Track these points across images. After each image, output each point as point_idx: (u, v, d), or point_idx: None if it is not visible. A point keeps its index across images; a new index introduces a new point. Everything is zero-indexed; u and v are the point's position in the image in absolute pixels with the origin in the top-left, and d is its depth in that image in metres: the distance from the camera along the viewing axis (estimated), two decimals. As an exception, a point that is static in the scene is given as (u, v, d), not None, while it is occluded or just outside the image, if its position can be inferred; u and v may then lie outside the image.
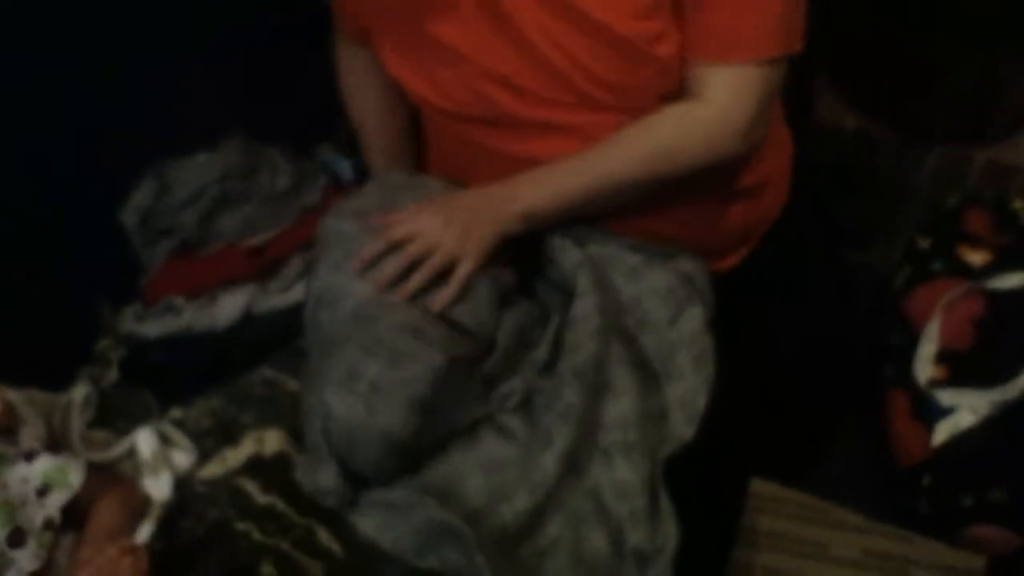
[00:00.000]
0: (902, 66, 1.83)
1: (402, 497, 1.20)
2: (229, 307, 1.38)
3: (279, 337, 1.35)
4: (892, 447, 1.60)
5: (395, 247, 1.28)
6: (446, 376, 1.19)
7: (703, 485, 1.28)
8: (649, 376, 1.28)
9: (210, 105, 1.55)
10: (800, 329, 1.59)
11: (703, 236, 1.42)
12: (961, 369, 1.55)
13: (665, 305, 1.31)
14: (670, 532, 1.17)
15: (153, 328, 1.38)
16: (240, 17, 1.59)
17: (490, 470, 1.22)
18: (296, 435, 1.27)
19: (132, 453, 1.25)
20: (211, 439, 1.27)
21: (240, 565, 1.16)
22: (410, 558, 1.18)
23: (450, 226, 1.27)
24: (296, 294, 1.39)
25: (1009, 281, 1.59)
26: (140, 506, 1.19)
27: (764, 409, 1.50)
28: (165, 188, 1.46)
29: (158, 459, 1.23)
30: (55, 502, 1.15)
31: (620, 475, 1.20)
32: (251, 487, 1.22)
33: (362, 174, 1.60)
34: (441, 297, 1.26)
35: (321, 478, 1.21)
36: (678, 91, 1.29)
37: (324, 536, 1.20)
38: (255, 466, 1.24)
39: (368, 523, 1.20)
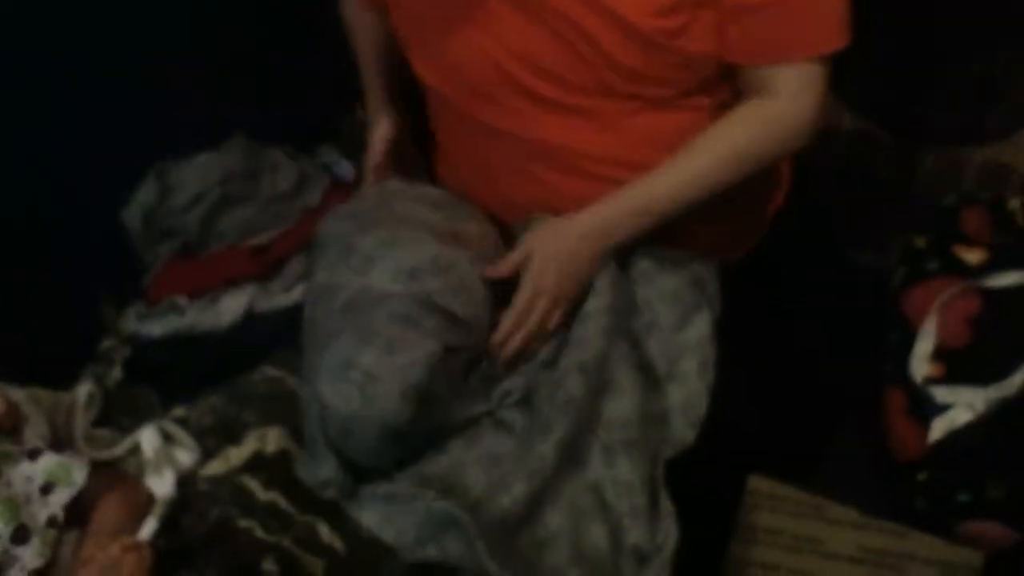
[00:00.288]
0: (899, 66, 1.83)
1: (403, 489, 1.20)
2: (231, 307, 1.38)
3: (281, 336, 1.36)
4: (889, 444, 1.60)
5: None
6: (441, 364, 1.20)
7: (700, 481, 1.28)
8: (651, 379, 1.29)
9: (212, 106, 1.56)
10: (797, 327, 1.59)
11: (705, 236, 1.43)
12: (957, 367, 1.55)
13: (674, 309, 1.32)
14: (670, 532, 1.17)
15: (156, 328, 1.38)
16: (242, 18, 1.60)
17: (490, 463, 1.23)
18: (298, 433, 1.28)
19: (135, 451, 1.26)
20: (213, 437, 1.27)
21: (242, 562, 1.16)
22: (412, 549, 1.19)
23: (556, 275, 1.31)
24: (297, 294, 1.40)
25: (1005, 279, 1.59)
26: (143, 504, 1.19)
27: (761, 406, 1.50)
28: (167, 189, 1.46)
29: (161, 457, 1.23)
30: (59, 500, 1.16)
31: (621, 473, 1.21)
32: (253, 485, 1.22)
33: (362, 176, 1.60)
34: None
35: (321, 470, 1.22)
36: (705, 85, 1.32)
37: (326, 533, 1.21)
38: (257, 464, 1.24)
39: (369, 515, 1.21)
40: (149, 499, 1.20)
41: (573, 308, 1.33)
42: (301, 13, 1.60)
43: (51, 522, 1.15)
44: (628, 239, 1.34)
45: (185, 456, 1.26)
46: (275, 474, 1.24)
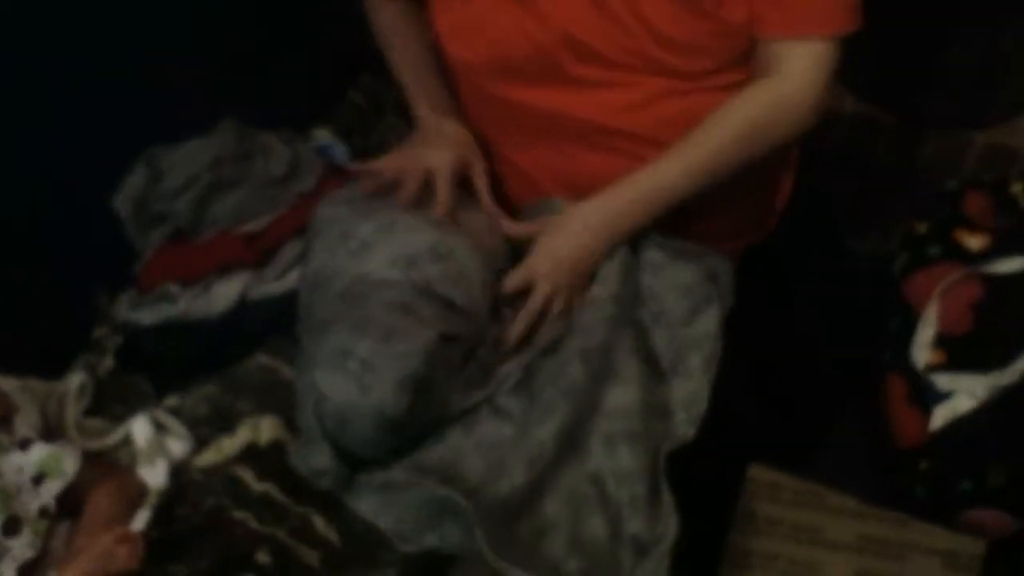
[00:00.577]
0: (901, 51, 1.82)
1: (400, 477, 1.20)
2: (224, 294, 1.37)
3: (274, 324, 1.35)
4: (890, 432, 1.60)
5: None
6: (438, 353, 1.19)
7: (700, 470, 1.27)
8: (655, 370, 1.28)
9: (203, 90, 1.55)
10: (798, 314, 1.59)
11: (716, 225, 1.43)
12: (959, 354, 1.54)
13: (684, 302, 1.31)
14: (670, 523, 1.17)
15: (148, 316, 1.37)
16: (235, 2, 1.59)
17: (488, 450, 1.23)
18: (292, 422, 1.27)
19: (128, 441, 1.25)
20: (207, 427, 1.27)
21: (236, 553, 1.16)
22: (410, 537, 1.18)
23: (569, 274, 1.30)
24: (291, 281, 1.39)
25: (1008, 265, 1.58)
26: (136, 494, 1.19)
27: (762, 394, 1.50)
28: (158, 174, 1.45)
29: (154, 447, 1.23)
30: (50, 490, 1.15)
31: (623, 463, 1.20)
32: (247, 475, 1.22)
33: (357, 159, 1.59)
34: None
35: (315, 460, 1.21)
36: (738, 59, 1.32)
37: (320, 524, 1.20)
38: (251, 454, 1.24)
39: (366, 505, 1.21)
40: (142, 489, 1.20)
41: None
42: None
43: (43, 513, 1.15)
44: (639, 228, 1.33)
45: (178, 446, 1.25)
46: (269, 465, 1.23)
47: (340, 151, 1.62)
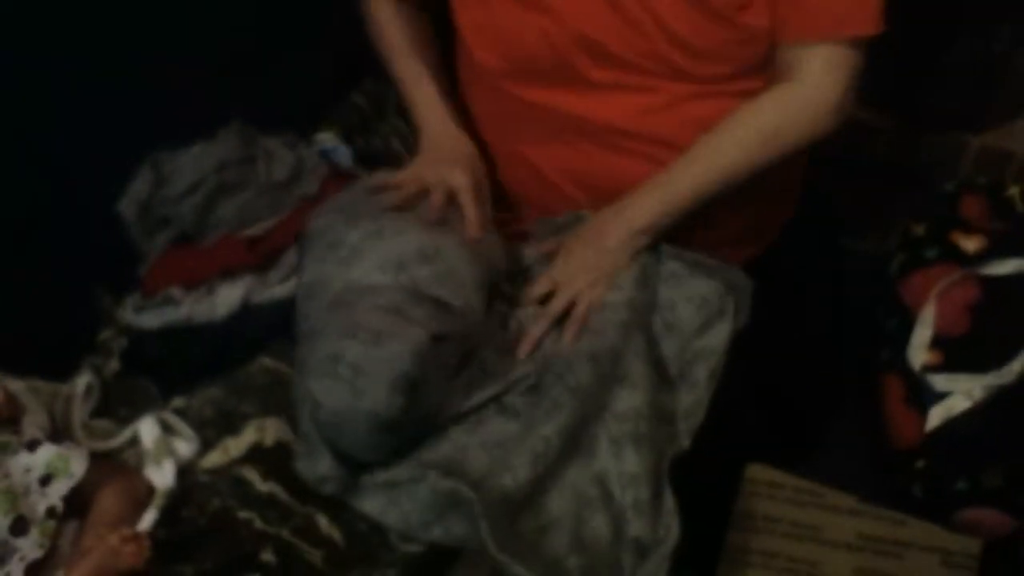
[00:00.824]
0: (899, 52, 1.82)
1: (403, 474, 1.20)
2: (228, 298, 1.38)
3: (278, 328, 1.35)
4: (886, 431, 1.61)
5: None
6: (429, 352, 1.19)
7: (698, 469, 1.28)
8: (664, 377, 1.29)
9: (205, 91, 1.55)
10: (795, 313, 1.59)
11: (731, 229, 1.44)
12: (955, 355, 1.55)
13: (697, 314, 1.31)
14: (671, 527, 1.17)
15: (152, 320, 1.38)
16: (237, 4, 1.59)
17: (493, 447, 1.23)
18: (296, 424, 1.27)
19: (134, 442, 1.25)
20: (213, 428, 1.27)
21: (241, 553, 1.16)
22: (416, 532, 1.18)
23: (582, 272, 1.32)
24: (294, 285, 1.39)
25: (1004, 267, 1.59)
26: (143, 495, 1.19)
27: (760, 393, 1.50)
28: (162, 178, 1.46)
29: (160, 448, 1.23)
30: (58, 491, 1.16)
31: (628, 465, 1.21)
32: (252, 476, 1.22)
33: (360, 162, 1.60)
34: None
35: (318, 466, 1.22)
36: (757, 67, 1.32)
37: (324, 524, 1.20)
38: (256, 455, 1.24)
39: (371, 503, 1.21)
40: (149, 490, 1.20)
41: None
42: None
43: (50, 513, 1.15)
44: (660, 232, 1.34)
45: (184, 447, 1.25)
46: (274, 465, 1.23)
47: (343, 153, 1.62)
